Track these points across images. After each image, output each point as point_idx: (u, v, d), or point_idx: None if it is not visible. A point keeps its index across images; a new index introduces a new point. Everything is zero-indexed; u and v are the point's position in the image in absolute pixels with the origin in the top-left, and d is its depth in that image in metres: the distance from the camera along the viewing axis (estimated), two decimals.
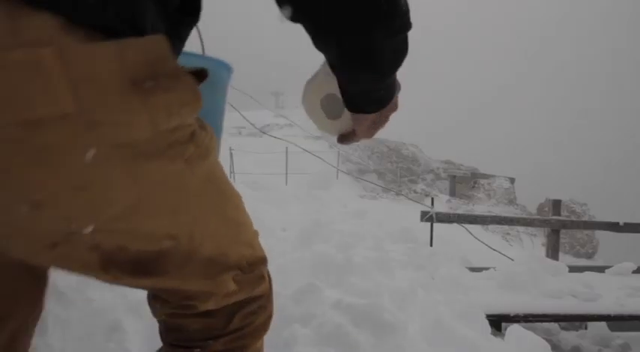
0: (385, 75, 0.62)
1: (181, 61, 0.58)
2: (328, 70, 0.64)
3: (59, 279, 1.64)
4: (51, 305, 1.53)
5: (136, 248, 0.56)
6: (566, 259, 13.34)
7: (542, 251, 9.19)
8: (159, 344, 1.63)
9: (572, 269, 4.35)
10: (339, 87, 0.64)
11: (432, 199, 5.55)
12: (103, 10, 0.47)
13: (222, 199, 0.68)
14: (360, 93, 0.65)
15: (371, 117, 0.69)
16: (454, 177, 21.87)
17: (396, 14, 0.54)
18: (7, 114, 0.43)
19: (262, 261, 0.78)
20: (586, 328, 4.92)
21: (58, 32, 0.44)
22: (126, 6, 0.49)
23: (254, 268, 0.74)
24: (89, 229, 0.51)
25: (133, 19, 0.49)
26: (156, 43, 0.50)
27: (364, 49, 0.56)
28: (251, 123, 4.90)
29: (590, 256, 16.99)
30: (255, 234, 0.79)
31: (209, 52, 1.13)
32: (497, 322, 3.23)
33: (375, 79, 0.62)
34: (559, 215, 5.55)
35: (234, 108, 4.90)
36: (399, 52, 0.60)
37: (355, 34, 0.55)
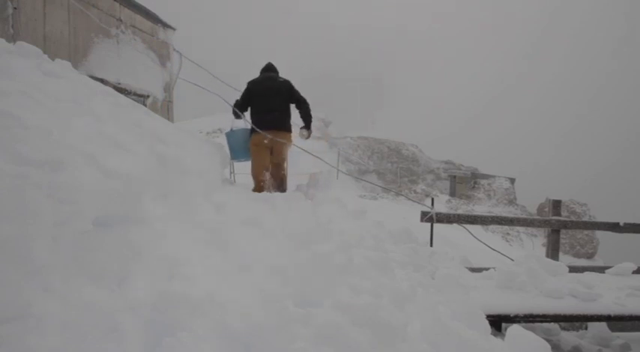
0: (311, 122, 5.39)
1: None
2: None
3: (59, 280, 1.64)
4: (51, 306, 1.53)
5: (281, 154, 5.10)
6: (566, 259, 13.35)
7: (542, 251, 9.19)
8: (158, 344, 1.63)
9: (572, 269, 4.35)
10: (305, 125, 5.35)
11: (432, 199, 5.55)
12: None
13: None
14: (309, 124, 5.36)
15: (308, 131, 5.39)
16: (454, 177, 21.89)
17: (310, 117, 5.36)
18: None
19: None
20: (586, 328, 4.93)
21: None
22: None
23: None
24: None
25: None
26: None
27: (310, 120, 5.36)
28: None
29: (590, 256, 17.01)
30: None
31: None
32: (497, 322, 3.22)
33: (310, 122, 5.38)
34: (559, 215, 5.54)
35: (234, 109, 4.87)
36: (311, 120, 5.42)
37: (311, 119, 5.37)
